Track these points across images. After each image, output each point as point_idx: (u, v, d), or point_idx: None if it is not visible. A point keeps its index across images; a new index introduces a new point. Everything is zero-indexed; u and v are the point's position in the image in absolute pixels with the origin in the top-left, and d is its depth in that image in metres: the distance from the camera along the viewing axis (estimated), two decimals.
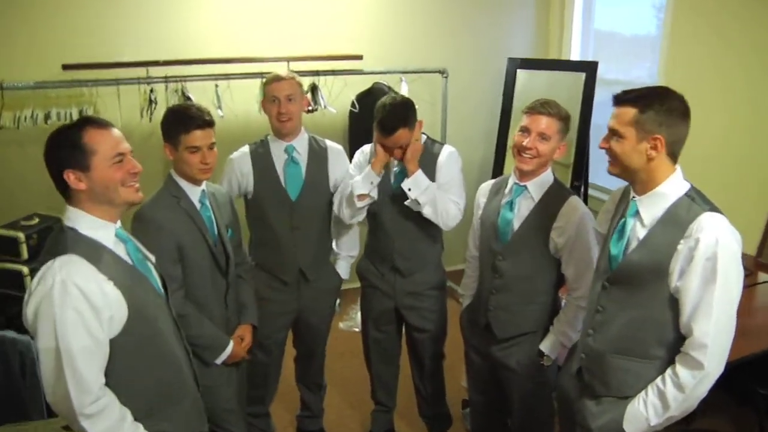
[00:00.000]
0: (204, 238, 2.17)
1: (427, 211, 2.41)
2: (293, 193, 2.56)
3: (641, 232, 1.72)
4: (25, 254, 3.05)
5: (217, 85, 3.65)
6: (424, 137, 2.53)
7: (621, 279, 1.77)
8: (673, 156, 1.71)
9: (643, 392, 1.73)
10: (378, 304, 2.72)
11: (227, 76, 3.63)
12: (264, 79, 2.54)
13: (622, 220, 1.78)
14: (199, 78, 3.60)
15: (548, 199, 2.17)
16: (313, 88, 3.84)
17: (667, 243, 1.66)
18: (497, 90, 4.47)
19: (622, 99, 1.71)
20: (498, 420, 2.62)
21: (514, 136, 2.19)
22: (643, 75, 4.11)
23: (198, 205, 2.19)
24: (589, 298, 1.93)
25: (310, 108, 3.79)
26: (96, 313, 1.49)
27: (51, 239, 1.61)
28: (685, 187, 1.71)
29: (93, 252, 1.55)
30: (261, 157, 2.57)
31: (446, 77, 4.22)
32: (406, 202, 2.43)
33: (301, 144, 2.59)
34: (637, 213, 1.74)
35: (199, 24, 3.82)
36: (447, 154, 2.52)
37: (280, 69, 2.86)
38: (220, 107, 3.63)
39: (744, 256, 1.73)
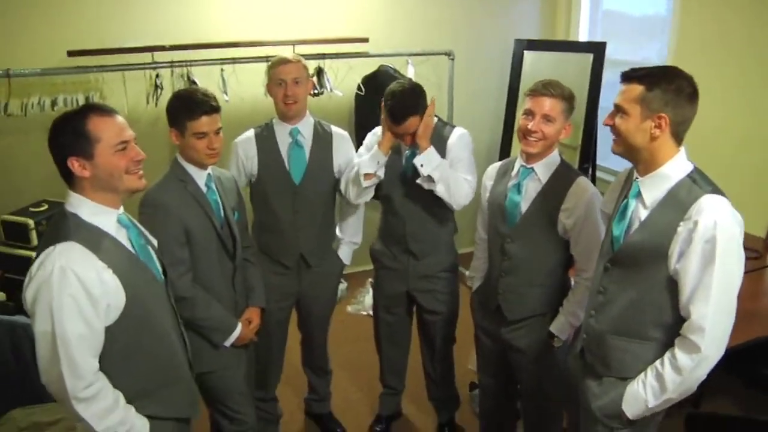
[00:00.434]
0: (211, 221, 2.18)
1: (439, 189, 2.39)
2: (297, 176, 2.56)
3: (643, 214, 1.71)
4: (34, 240, 3.08)
5: (222, 70, 3.63)
6: (435, 119, 2.51)
7: (622, 260, 1.76)
8: (678, 137, 1.69)
9: (642, 374, 1.73)
10: (390, 286, 2.72)
11: (233, 60, 3.62)
12: (269, 62, 2.53)
13: (624, 201, 1.77)
14: (205, 62, 3.59)
15: (555, 180, 2.16)
16: (319, 72, 3.82)
17: (667, 225, 1.65)
18: (504, 72, 4.44)
19: (630, 76, 1.69)
20: (507, 402, 2.63)
21: (519, 119, 2.18)
22: (652, 56, 4.06)
23: (204, 189, 2.19)
24: (593, 279, 1.93)
25: (315, 91, 3.78)
26: (93, 302, 1.50)
27: (52, 224, 1.62)
28: (688, 168, 1.69)
29: (93, 238, 1.56)
30: (266, 140, 2.56)
31: (453, 59, 4.18)
32: (418, 180, 2.41)
33: (306, 127, 2.58)
34: (639, 194, 1.73)
35: (204, 8, 3.80)
36: (458, 136, 2.51)
37: (286, 52, 2.85)
38: (225, 92, 3.62)
39: (753, 238, 1.72)
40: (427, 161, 2.37)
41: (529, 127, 2.10)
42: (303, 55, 2.62)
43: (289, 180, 2.56)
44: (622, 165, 1.91)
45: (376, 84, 4.01)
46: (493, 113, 4.61)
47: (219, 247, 2.22)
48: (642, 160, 1.72)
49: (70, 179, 1.60)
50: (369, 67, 4.07)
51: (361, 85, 4.04)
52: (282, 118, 2.56)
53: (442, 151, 2.45)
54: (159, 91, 3.55)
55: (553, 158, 2.19)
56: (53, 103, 3.40)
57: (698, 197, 1.61)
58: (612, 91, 1.77)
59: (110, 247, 1.58)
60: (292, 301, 2.74)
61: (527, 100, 2.13)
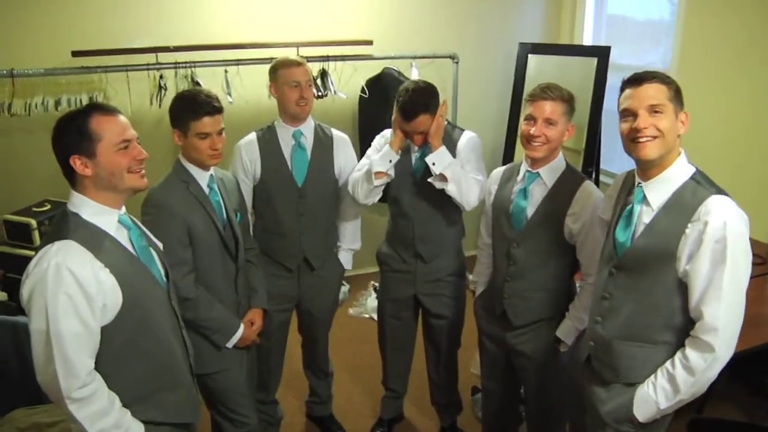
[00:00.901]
0: (213, 222, 2.17)
1: (451, 188, 2.38)
2: (299, 178, 2.56)
3: (648, 218, 1.71)
4: (37, 240, 3.08)
5: (226, 71, 3.64)
6: (445, 122, 2.51)
7: (628, 265, 1.76)
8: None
9: (652, 376, 1.73)
10: (397, 290, 2.71)
11: (237, 62, 3.63)
12: (273, 64, 2.52)
13: (629, 207, 1.76)
14: (209, 64, 3.60)
15: (561, 185, 2.16)
16: (323, 74, 3.82)
17: (673, 227, 1.65)
18: (508, 75, 4.44)
19: (652, 76, 1.67)
20: (510, 407, 2.62)
21: (521, 125, 2.17)
22: (656, 60, 4.05)
23: (207, 190, 2.19)
24: (596, 285, 1.92)
25: (319, 94, 3.78)
26: (88, 300, 1.50)
27: (54, 224, 1.62)
28: (691, 170, 1.70)
29: (93, 238, 1.56)
30: (268, 142, 2.56)
31: (457, 62, 4.19)
32: (429, 179, 2.41)
33: (307, 130, 2.59)
34: (643, 199, 1.73)
35: (208, 9, 3.81)
36: (467, 138, 2.51)
37: (290, 54, 2.85)
38: (229, 93, 3.62)
39: (757, 244, 1.71)
40: (438, 160, 2.37)
41: (531, 132, 2.09)
42: (307, 57, 2.63)
43: (292, 182, 2.55)
44: (626, 169, 1.90)
45: (380, 87, 4.01)
46: (497, 117, 4.61)
47: (221, 249, 2.21)
48: (659, 164, 1.69)
49: (72, 178, 1.60)
50: (373, 69, 4.07)
51: (365, 88, 4.04)
52: (290, 120, 2.55)
53: (451, 154, 2.44)
54: (163, 92, 3.55)
55: (559, 162, 2.18)
56: (57, 103, 3.41)
57: (704, 198, 1.62)
58: (616, 96, 1.76)
59: (109, 246, 1.58)
60: (293, 304, 2.73)
61: (527, 105, 2.12)
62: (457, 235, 2.67)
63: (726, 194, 1.64)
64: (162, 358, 1.71)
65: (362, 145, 3.69)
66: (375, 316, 3.17)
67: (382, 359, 2.94)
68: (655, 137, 1.64)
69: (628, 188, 1.83)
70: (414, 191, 2.54)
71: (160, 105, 3.53)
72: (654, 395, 1.71)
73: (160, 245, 1.84)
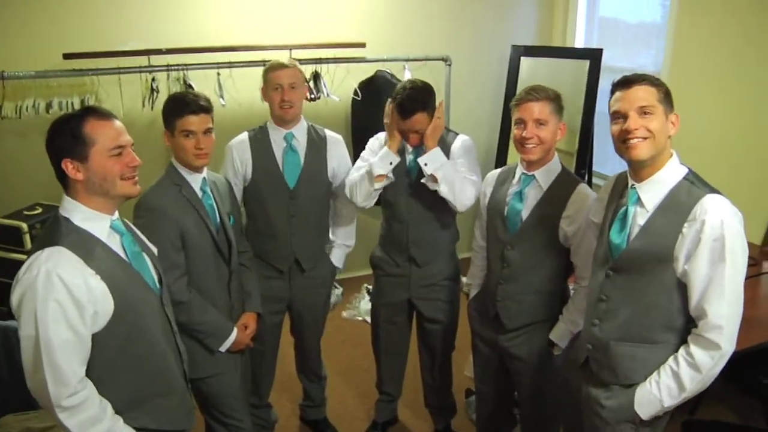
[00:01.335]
0: (206, 225, 2.16)
1: (443, 189, 2.37)
2: (291, 180, 2.55)
3: (643, 219, 1.72)
4: (28, 244, 3.05)
5: (219, 74, 3.63)
6: None
7: (625, 267, 1.76)
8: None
9: (654, 374, 1.73)
10: (391, 294, 2.70)
11: (230, 65, 3.62)
12: (265, 66, 2.52)
13: (623, 209, 1.77)
14: (201, 66, 3.58)
15: (557, 187, 2.16)
16: (316, 76, 3.82)
17: (669, 227, 1.66)
18: (501, 78, 4.45)
19: (641, 78, 1.69)
20: (504, 410, 2.62)
21: (513, 130, 2.17)
22: (648, 63, 4.07)
23: (200, 193, 2.18)
24: (590, 288, 1.92)
25: (312, 96, 3.77)
26: (78, 307, 1.48)
27: (45, 228, 1.61)
28: (683, 171, 1.72)
29: (84, 244, 1.54)
30: (260, 143, 2.56)
31: (449, 65, 4.19)
32: (422, 180, 2.40)
33: (300, 132, 2.58)
34: (638, 200, 1.73)
35: (200, 12, 3.80)
36: (461, 141, 2.51)
37: (283, 57, 2.84)
38: (222, 95, 3.61)
39: (749, 245, 1.72)
40: (431, 160, 2.36)
41: (523, 135, 2.09)
42: (300, 60, 2.62)
43: (283, 184, 2.55)
44: (619, 171, 1.91)
45: (372, 89, 4.01)
46: (490, 119, 4.61)
47: (215, 252, 2.20)
48: (650, 165, 1.71)
49: (65, 183, 1.58)
50: (366, 72, 4.06)
51: (358, 90, 4.04)
52: (278, 122, 2.55)
53: (445, 156, 2.44)
54: (155, 94, 3.54)
55: (554, 165, 2.18)
56: (48, 106, 3.39)
57: (700, 198, 1.63)
58: (608, 98, 1.77)
59: (100, 253, 1.56)
60: (284, 306, 2.72)
61: (515, 110, 2.12)
62: (451, 239, 2.67)
63: (719, 193, 1.66)
64: (155, 364, 1.69)
65: (355, 148, 3.68)
66: (368, 319, 3.16)
67: (376, 363, 2.93)
68: (645, 138, 1.66)
69: (620, 190, 1.83)
70: (409, 193, 2.53)
71: (152, 108, 3.52)
72: (658, 393, 1.71)
73: (155, 250, 1.83)
